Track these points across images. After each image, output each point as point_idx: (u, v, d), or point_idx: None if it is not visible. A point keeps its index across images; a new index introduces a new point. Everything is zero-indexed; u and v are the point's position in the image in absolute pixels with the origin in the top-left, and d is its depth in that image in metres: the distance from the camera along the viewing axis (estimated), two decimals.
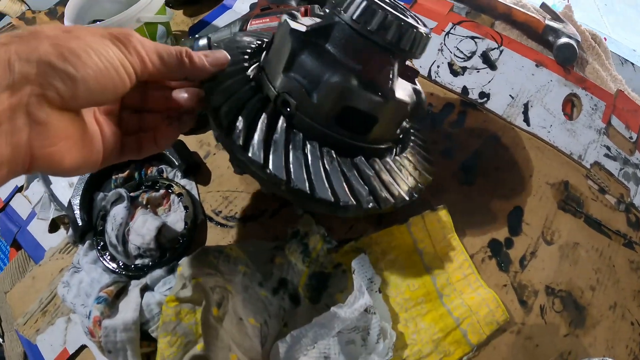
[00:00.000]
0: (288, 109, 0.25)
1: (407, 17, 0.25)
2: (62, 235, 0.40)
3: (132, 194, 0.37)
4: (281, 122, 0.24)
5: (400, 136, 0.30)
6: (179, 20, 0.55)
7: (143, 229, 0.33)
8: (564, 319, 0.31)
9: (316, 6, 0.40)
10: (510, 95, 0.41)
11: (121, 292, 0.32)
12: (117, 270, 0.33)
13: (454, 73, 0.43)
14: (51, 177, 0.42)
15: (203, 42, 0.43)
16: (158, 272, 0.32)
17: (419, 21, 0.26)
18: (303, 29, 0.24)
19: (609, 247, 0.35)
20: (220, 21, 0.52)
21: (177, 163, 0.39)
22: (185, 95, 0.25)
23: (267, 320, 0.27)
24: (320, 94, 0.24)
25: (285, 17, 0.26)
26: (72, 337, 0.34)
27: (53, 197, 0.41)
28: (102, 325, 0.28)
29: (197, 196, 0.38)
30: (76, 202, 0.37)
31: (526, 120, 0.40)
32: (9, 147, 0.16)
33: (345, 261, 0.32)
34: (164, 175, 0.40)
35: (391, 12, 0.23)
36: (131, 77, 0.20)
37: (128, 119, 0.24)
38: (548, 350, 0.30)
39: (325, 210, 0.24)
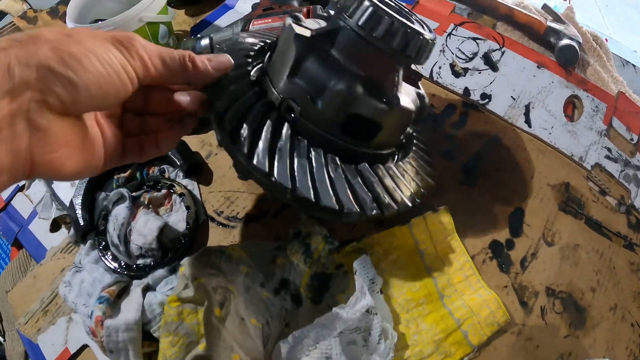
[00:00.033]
0: (292, 115, 0.24)
1: (413, 22, 0.25)
2: (64, 234, 0.40)
3: (133, 194, 0.37)
4: (286, 129, 0.24)
5: (403, 141, 0.30)
6: (181, 20, 0.55)
7: (145, 228, 0.33)
8: (564, 320, 0.31)
9: (318, 7, 0.40)
10: (511, 97, 0.41)
11: (123, 292, 0.32)
12: (118, 270, 0.33)
13: (456, 74, 0.43)
14: None
15: (205, 42, 0.43)
16: (160, 272, 0.32)
17: (424, 26, 0.26)
18: (308, 33, 0.24)
19: (610, 249, 0.35)
20: (222, 21, 0.52)
21: (179, 163, 0.39)
22: (188, 98, 0.25)
23: (269, 320, 0.28)
24: (325, 101, 0.24)
25: (289, 20, 0.25)
26: (73, 336, 0.34)
27: (55, 196, 0.41)
28: (104, 325, 0.28)
29: (199, 196, 0.38)
30: (78, 201, 0.37)
31: (527, 121, 0.40)
32: (9, 153, 0.16)
33: (347, 262, 0.32)
34: (166, 175, 0.40)
35: (397, 18, 0.23)
36: (133, 82, 0.19)
37: (130, 122, 0.24)
38: (548, 351, 0.30)
39: (329, 216, 0.24)
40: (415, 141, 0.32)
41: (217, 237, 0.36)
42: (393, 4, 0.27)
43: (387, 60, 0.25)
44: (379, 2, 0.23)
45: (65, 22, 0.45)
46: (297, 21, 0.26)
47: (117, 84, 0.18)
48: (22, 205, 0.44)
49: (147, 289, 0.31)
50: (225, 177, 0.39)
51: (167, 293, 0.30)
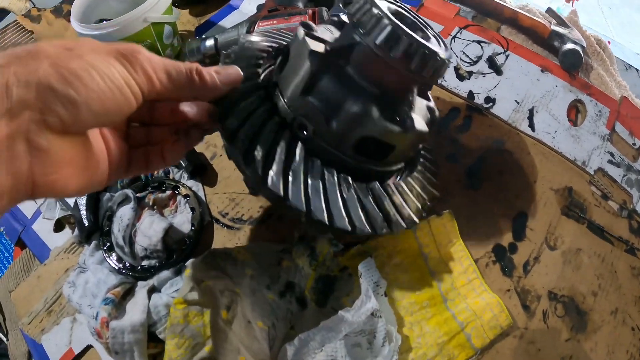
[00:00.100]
0: (305, 132, 0.24)
1: (429, 38, 0.25)
2: (68, 234, 0.40)
3: (138, 195, 0.37)
4: (299, 149, 0.23)
5: (412, 155, 0.30)
6: (185, 20, 0.54)
7: (150, 230, 0.33)
8: (565, 324, 0.31)
9: (324, 9, 0.40)
10: (515, 101, 0.42)
11: (128, 293, 0.32)
12: (123, 271, 0.33)
13: (460, 77, 0.43)
14: None
15: (210, 42, 0.43)
16: (165, 274, 0.32)
17: (439, 40, 0.26)
18: (322, 48, 0.24)
19: (611, 253, 0.35)
20: (227, 22, 0.51)
21: (183, 164, 0.39)
22: (194, 108, 0.24)
23: (275, 323, 0.28)
24: (340, 122, 0.23)
25: (301, 31, 0.25)
26: (77, 337, 0.34)
27: None
28: (109, 326, 0.28)
29: (203, 198, 0.38)
30: (82, 202, 0.37)
31: (531, 125, 0.40)
32: (9, 176, 0.15)
33: (351, 264, 0.32)
34: (171, 176, 0.40)
35: (416, 39, 0.22)
36: (137, 97, 0.19)
37: (135, 132, 0.24)
38: (550, 354, 0.30)
39: (340, 234, 0.24)
40: (422, 151, 0.32)
41: (222, 239, 0.36)
42: (408, 15, 0.26)
43: (403, 80, 0.25)
44: (395, 16, 0.23)
45: (69, 21, 0.44)
46: (309, 30, 0.25)
47: (120, 101, 0.18)
48: (25, 204, 0.44)
49: (152, 291, 0.31)
50: (230, 178, 0.39)
51: (173, 295, 0.30)
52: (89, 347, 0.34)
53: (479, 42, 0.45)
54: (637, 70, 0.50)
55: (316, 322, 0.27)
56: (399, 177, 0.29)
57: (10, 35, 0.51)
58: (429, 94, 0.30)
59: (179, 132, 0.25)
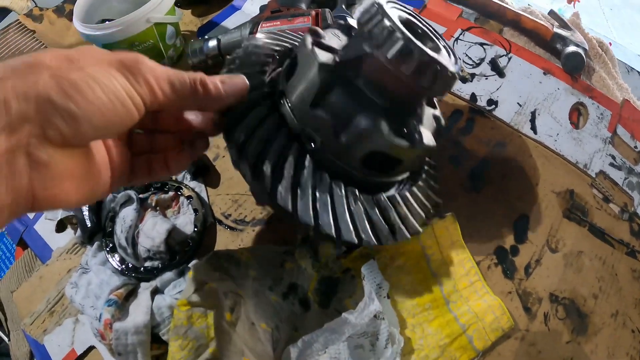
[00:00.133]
0: (312, 144, 0.24)
1: (440, 50, 0.24)
2: (70, 235, 0.40)
3: (141, 196, 0.37)
4: (308, 162, 0.23)
5: (418, 167, 0.30)
6: (187, 20, 0.54)
7: (153, 231, 0.34)
8: (566, 326, 0.31)
9: (327, 10, 0.40)
10: (517, 103, 0.42)
11: (130, 295, 0.32)
12: (126, 272, 0.33)
13: (463, 80, 0.43)
14: None
15: (213, 43, 0.43)
16: (168, 275, 0.32)
17: (450, 52, 0.25)
18: (331, 60, 0.23)
19: (612, 256, 0.35)
20: (229, 22, 0.51)
21: None
22: (200, 117, 0.24)
23: (278, 324, 0.28)
24: (349, 136, 0.23)
25: (309, 40, 0.24)
26: (80, 337, 0.34)
27: None
28: (113, 328, 0.28)
29: (206, 199, 0.38)
30: None
31: (533, 128, 0.40)
32: (9, 192, 0.15)
33: (354, 266, 0.32)
34: (173, 177, 0.40)
35: (428, 54, 0.22)
36: (139, 109, 0.18)
37: (138, 139, 0.23)
38: (550, 356, 0.30)
39: (346, 245, 0.24)
40: (426, 158, 0.32)
41: (224, 240, 0.36)
42: (418, 22, 0.26)
43: (413, 93, 0.24)
44: (406, 26, 0.22)
45: (71, 20, 0.44)
46: (317, 38, 0.25)
47: (122, 113, 0.17)
48: None
49: (155, 292, 0.31)
50: (232, 179, 0.39)
51: (176, 296, 0.30)
52: (91, 347, 0.34)
53: (481, 44, 0.45)
54: (638, 72, 0.50)
55: (319, 324, 0.27)
56: (403, 186, 0.29)
57: (12, 34, 0.51)
58: (435, 99, 0.30)
59: (184, 142, 0.24)
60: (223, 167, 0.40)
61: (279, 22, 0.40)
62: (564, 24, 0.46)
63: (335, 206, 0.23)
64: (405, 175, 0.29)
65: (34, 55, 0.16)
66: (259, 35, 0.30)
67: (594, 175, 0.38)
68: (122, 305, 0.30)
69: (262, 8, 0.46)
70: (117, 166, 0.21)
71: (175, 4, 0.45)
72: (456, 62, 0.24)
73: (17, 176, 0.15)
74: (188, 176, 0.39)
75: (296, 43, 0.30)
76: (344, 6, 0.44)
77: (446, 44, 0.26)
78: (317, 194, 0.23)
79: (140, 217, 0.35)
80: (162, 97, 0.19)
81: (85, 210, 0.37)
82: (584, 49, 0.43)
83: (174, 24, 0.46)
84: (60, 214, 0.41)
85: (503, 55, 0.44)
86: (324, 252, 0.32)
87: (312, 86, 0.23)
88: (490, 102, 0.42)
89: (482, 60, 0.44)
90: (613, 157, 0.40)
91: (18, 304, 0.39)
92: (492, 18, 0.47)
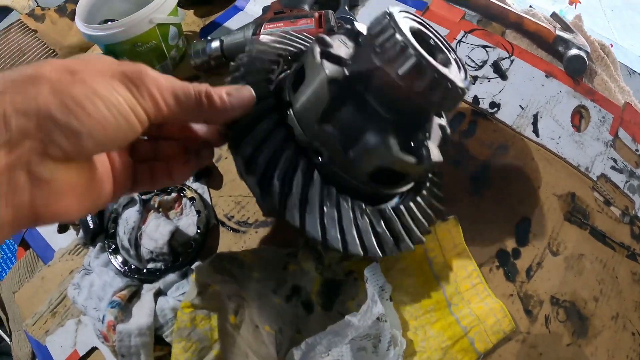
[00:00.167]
0: (320, 158, 0.24)
1: (450, 63, 0.24)
2: (72, 236, 0.40)
3: (143, 197, 0.37)
4: (316, 177, 0.23)
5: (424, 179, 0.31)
6: (190, 20, 0.54)
7: (156, 233, 0.34)
8: (567, 329, 0.32)
9: (330, 12, 0.40)
10: (520, 106, 0.42)
11: (133, 296, 0.32)
12: (129, 273, 0.33)
13: None
14: None
15: (215, 44, 0.43)
16: (171, 277, 0.32)
17: (459, 66, 0.25)
18: (340, 73, 0.23)
19: (613, 259, 0.35)
20: (232, 23, 0.51)
21: None
22: (205, 127, 0.23)
23: (282, 327, 0.28)
24: (357, 153, 0.23)
25: (317, 50, 0.24)
26: (82, 338, 0.34)
27: None
28: (116, 329, 0.28)
29: (209, 200, 0.38)
30: None
31: (535, 131, 0.40)
32: (9, 208, 0.14)
33: (356, 269, 0.32)
34: None
35: (439, 71, 0.21)
36: (143, 123, 0.18)
37: (141, 146, 0.23)
38: (551, 359, 0.30)
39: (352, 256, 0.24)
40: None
41: (227, 242, 0.36)
42: (429, 33, 0.25)
43: (423, 108, 0.25)
44: (417, 37, 0.22)
45: (73, 20, 0.44)
46: (325, 47, 0.24)
47: (125, 128, 0.17)
48: None
49: (158, 294, 0.31)
50: (235, 181, 0.39)
51: (179, 298, 0.31)
52: (93, 349, 0.34)
53: (484, 47, 0.45)
54: None
55: (322, 326, 0.27)
56: (408, 196, 0.29)
57: (13, 34, 0.51)
58: None
59: (189, 152, 0.24)
60: (226, 168, 0.40)
61: (282, 24, 0.40)
62: (566, 27, 0.46)
63: (343, 220, 0.23)
64: (410, 186, 0.29)
65: (34, 67, 0.16)
66: (262, 37, 0.30)
67: (595, 179, 0.39)
68: (125, 307, 0.30)
69: (265, 9, 0.46)
70: (120, 175, 0.21)
71: (178, 4, 0.45)
72: (466, 77, 0.24)
73: (17, 193, 0.15)
74: (191, 178, 0.39)
75: (301, 46, 0.30)
76: (346, 7, 0.44)
77: (456, 55, 0.26)
78: (325, 209, 0.23)
79: (142, 218, 0.35)
80: (167, 110, 0.18)
81: None
82: (586, 52, 0.43)
83: (177, 25, 0.46)
84: None
85: (505, 58, 0.44)
86: (327, 255, 0.32)
87: (321, 101, 0.23)
88: (493, 104, 0.42)
89: (484, 62, 0.44)
90: (614, 160, 0.40)
91: (20, 305, 0.39)
92: (494, 20, 0.47)
